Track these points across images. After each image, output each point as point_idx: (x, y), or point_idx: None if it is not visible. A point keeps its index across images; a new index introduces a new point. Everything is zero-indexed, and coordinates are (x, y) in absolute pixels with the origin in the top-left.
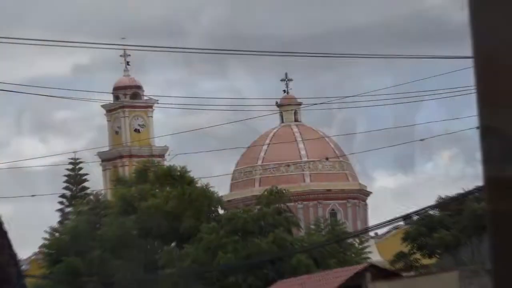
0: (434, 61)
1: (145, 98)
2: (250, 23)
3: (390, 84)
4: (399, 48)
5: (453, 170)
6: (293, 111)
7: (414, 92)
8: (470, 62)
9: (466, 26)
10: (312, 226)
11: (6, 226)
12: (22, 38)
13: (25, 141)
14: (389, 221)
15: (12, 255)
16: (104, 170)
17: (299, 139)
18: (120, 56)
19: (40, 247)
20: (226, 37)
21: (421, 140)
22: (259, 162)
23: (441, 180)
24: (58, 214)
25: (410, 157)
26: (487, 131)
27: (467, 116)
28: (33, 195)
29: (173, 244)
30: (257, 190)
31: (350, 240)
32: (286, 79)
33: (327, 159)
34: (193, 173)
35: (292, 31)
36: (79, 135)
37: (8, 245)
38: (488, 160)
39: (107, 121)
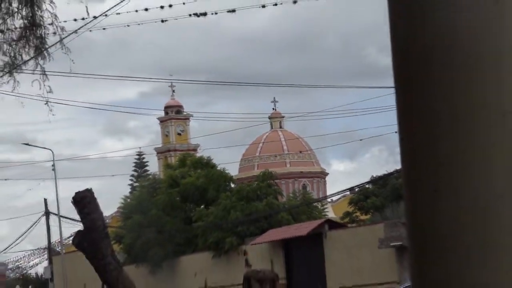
0: (371, 89)
1: (184, 113)
2: (252, 63)
3: (341, 103)
4: (348, 81)
5: (381, 159)
6: (279, 121)
7: (357, 109)
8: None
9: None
10: (291, 195)
11: (96, 195)
12: (105, 75)
13: (108, 140)
14: (339, 191)
15: (100, 213)
16: (158, 159)
17: (282, 139)
18: (169, 86)
19: (118, 208)
20: (237, 73)
21: (360, 140)
22: (257, 154)
23: (373, 165)
24: (129, 187)
25: (354, 151)
26: (402, 134)
27: (392, 124)
28: (113, 175)
29: (202, 206)
30: (255, 172)
31: (315, 204)
32: (274, 101)
33: (300, 152)
34: (215, 161)
35: (279, 69)
36: (143, 137)
37: (97, 207)
38: (404, 153)
39: (160, 128)
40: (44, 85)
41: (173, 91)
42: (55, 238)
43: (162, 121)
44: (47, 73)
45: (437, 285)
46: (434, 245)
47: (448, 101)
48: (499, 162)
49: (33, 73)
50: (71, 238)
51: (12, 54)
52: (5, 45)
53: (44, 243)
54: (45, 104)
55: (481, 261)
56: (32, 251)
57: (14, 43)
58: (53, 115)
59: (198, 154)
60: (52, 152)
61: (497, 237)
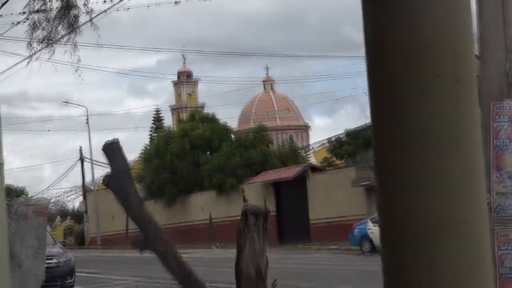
0: (346, 59)
1: (194, 78)
2: (249, 37)
3: (321, 70)
4: (327, 52)
5: (354, 115)
6: (270, 84)
7: (334, 74)
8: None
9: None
10: (280, 144)
11: (121, 144)
12: (131, 46)
13: (132, 99)
14: (320, 141)
15: (125, 159)
16: (172, 115)
17: (273, 99)
18: (181, 56)
19: (139, 154)
20: (237, 45)
21: (337, 99)
22: (253, 111)
23: (347, 120)
24: (148, 138)
25: (331, 108)
26: (371, 96)
27: (362, 87)
28: (135, 128)
29: (208, 153)
30: (251, 125)
31: (299, 151)
32: (267, 68)
33: (288, 109)
34: (219, 116)
35: (271, 42)
36: (160, 96)
37: (123, 154)
38: (373, 109)
39: (174, 90)
40: (75, 55)
41: (185, 59)
42: (88, 178)
43: (175, 84)
44: (86, 45)
45: (398, 215)
46: (394, 184)
47: (409, 69)
48: (451, 121)
49: (71, 45)
50: (101, 179)
51: (51, 30)
52: (45, 22)
53: (80, 182)
54: (76, 71)
55: (430, 193)
56: (69, 189)
57: (53, 20)
58: (82, 79)
59: (205, 111)
60: (86, 109)
61: (444, 179)
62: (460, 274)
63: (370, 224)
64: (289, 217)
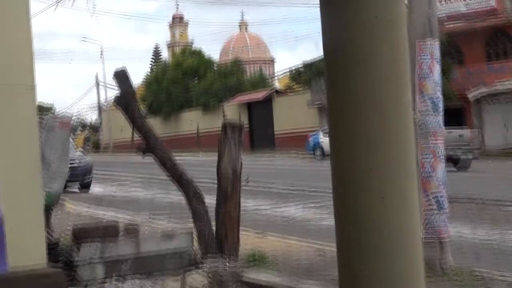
0: (304, 6)
1: (185, 20)
2: None
3: (285, 14)
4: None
5: (310, 50)
6: (245, 26)
7: (294, 17)
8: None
9: None
10: (253, 75)
11: (128, 72)
12: None
13: (137, 37)
14: (283, 70)
15: (131, 83)
16: (168, 50)
17: (247, 37)
18: (175, 4)
19: (142, 80)
20: None
21: (296, 38)
22: (231, 47)
23: (304, 54)
24: (149, 67)
25: (292, 45)
26: (324, 32)
27: (317, 28)
28: (139, 59)
29: (195, 80)
30: (230, 58)
31: (267, 79)
32: (242, 13)
33: (258, 45)
34: (204, 51)
35: None
36: (159, 35)
37: (129, 79)
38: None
39: (169, 30)
40: (92, 1)
41: (177, 5)
42: (102, 98)
43: (170, 25)
44: None
45: (342, 129)
46: (340, 105)
47: (354, 12)
48: (385, 53)
49: None
50: (113, 99)
51: None
52: None
53: (96, 102)
54: (92, 14)
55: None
56: (88, 107)
57: None
58: (97, 22)
59: (193, 47)
60: (101, 44)
61: (380, 101)
62: (391, 173)
63: (321, 135)
64: (258, 130)
